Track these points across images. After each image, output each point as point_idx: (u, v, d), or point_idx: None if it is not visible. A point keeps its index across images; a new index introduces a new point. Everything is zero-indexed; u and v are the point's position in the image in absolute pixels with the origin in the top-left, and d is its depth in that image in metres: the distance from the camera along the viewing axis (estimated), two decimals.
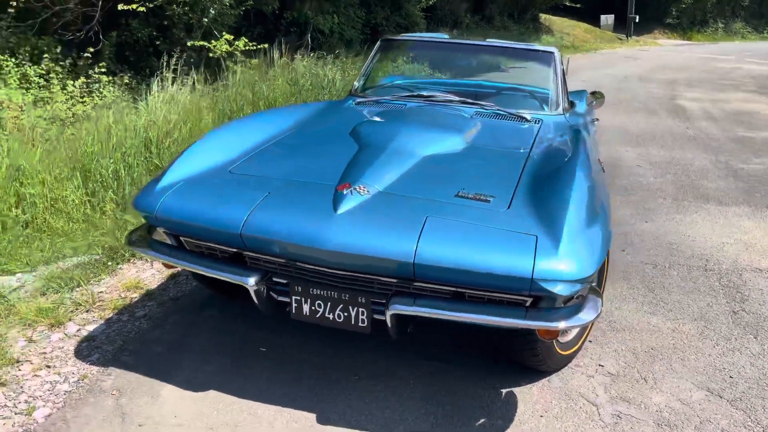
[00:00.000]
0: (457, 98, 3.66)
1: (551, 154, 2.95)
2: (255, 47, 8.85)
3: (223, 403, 2.44)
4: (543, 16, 24.23)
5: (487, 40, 4.27)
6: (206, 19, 8.78)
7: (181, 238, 2.56)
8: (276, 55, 9.01)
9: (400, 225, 2.25)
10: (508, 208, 2.39)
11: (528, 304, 2.24)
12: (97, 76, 7.38)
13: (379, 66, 4.17)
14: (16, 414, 2.36)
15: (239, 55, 8.74)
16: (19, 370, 2.64)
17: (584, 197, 2.42)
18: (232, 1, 9.00)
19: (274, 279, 2.44)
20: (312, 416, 2.39)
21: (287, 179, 2.58)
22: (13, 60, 6.89)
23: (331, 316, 2.37)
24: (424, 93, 3.76)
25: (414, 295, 2.27)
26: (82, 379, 2.57)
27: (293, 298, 2.39)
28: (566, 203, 2.32)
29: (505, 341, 2.65)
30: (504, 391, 2.61)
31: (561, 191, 2.42)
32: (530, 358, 2.60)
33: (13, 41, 7.35)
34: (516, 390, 2.61)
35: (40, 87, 6.88)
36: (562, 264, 2.11)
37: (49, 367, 2.68)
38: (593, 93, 4.01)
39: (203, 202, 2.43)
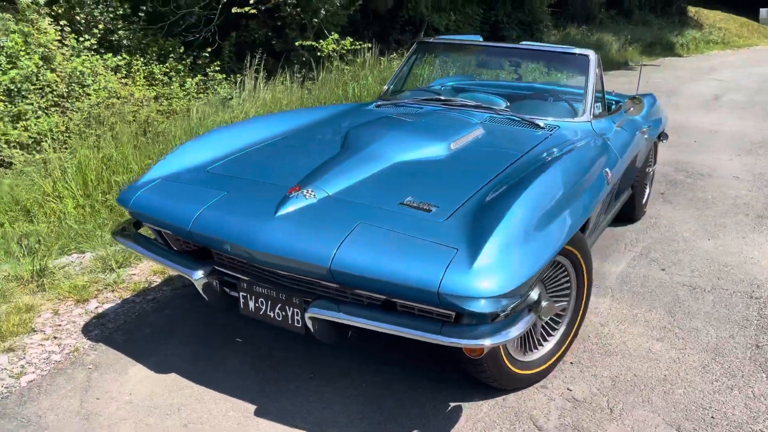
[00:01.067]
0: (473, 103, 3.60)
1: (535, 162, 2.83)
2: (359, 46, 9.10)
3: (177, 386, 2.63)
4: (692, 9, 22.46)
5: (522, 43, 4.14)
6: (316, 20, 9.16)
7: (162, 232, 2.78)
8: (373, 53, 9.24)
9: (326, 230, 2.29)
10: (447, 219, 2.34)
11: (452, 319, 2.20)
12: (212, 74, 8.00)
13: (416, 69, 4.19)
14: (9, 377, 2.71)
15: (346, 54, 9.03)
16: (31, 338, 3.02)
17: (530, 208, 2.32)
18: (342, 1, 9.28)
19: (231, 274, 2.58)
20: (251, 408, 2.50)
21: (253, 180, 2.71)
22: (142, 59, 7.66)
23: (271, 315, 2.47)
24: (442, 97, 3.74)
25: (339, 301, 2.30)
26: (73, 352, 2.88)
27: (240, 294, 2.52)
28: (502, 215, 2.24)
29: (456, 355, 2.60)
30: (452, 404, 2.56)
31: (505, 201, 2.34)
32: (478, 374, 2.53)
33: (145, 42, 8.15)
34: (465, 404, 2.55)
35: (163, 84, 7.59)
36: (475, 279, 2.05)
37: (55, 338, 3.02)
38: (633, 98, 3.73)
39: (168, 198, 2.63)
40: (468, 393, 2.62)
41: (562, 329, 2.79)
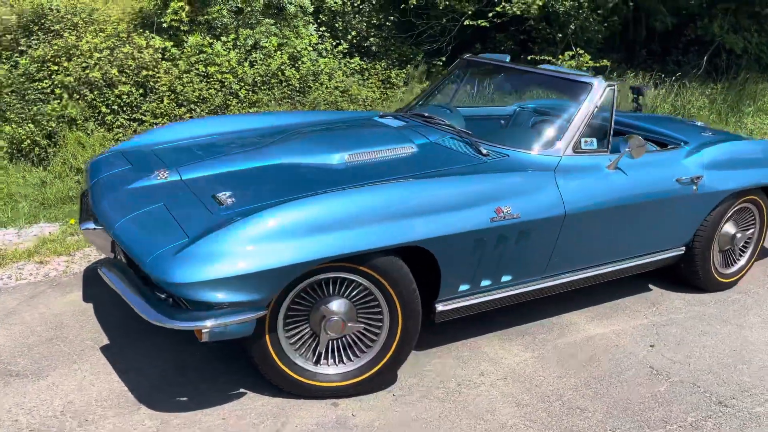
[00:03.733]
0: (446, 122, 3.57)
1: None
2: (596, 64, 8.74)
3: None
4: None
5: (540, 66, 3.85)
6: (560, 35, 9.09)
7: None
8: (622, 72, 8.77)
9: (132, 204, 2.76)
10: (223, 214, 2.59)
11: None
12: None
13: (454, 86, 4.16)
14: None
15: (586, 70, 8.80)
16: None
17: (287, 216, 2.43)
18: (596, 17, 9.03)
19: None
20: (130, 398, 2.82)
21: (163, 160, 3.20)
22: (381, 64, 8.67)
23: None
24: (425, 114, 3.77)
25: (124, 268, 2.73)
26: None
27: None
28: (248, 217, 2.44)
29: None
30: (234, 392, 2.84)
31: (272, 207, 2.49)
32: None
33: (392, 49, 9.17)
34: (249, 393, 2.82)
35: (395, 87, 8.50)
36: (172, 263, 2.33)
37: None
38: (630, 136, 3.22)
39: (105, 167, 3.28)
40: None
41: (373, 353, 2.79)
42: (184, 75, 6.62)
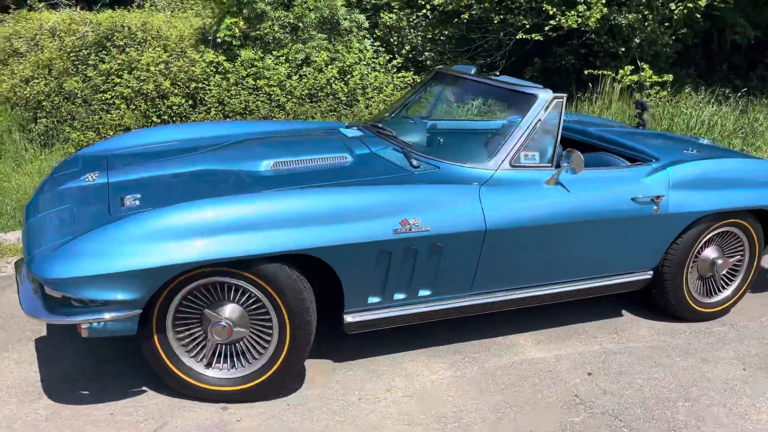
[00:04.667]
0: (393, 133, 3.60)
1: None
2: (659, 78, 8.35)
3: None
4: None
5: (493, 76, 3.73)
6: (623, 49, 8.79)
7: None
8: (697, 88, 8.35)
9: (47, 203, 3.01)
10: (116, 215, 2.70)
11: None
12: None
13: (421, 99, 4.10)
14: None
15: (650, 86, 8.45)
16: None
17: (158, 220, 2.52)
18: (663, 29, 8.64)
19: None
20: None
21: (113, 164, 3.36)
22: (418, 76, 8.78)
23: None
24: (379, 125, 3.79)
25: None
26: None
27: None
28: (120, 221, 2.57)
29: None
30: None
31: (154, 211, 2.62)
32: None
33: (447, 63, 9.25)
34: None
35: None
36: (42, 260, 2.50)
37: None
38: (568, 150, 3.07)
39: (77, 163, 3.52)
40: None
41: (263, 360, 2.84)
42: (232, 87, 7.06)
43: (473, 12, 8.63)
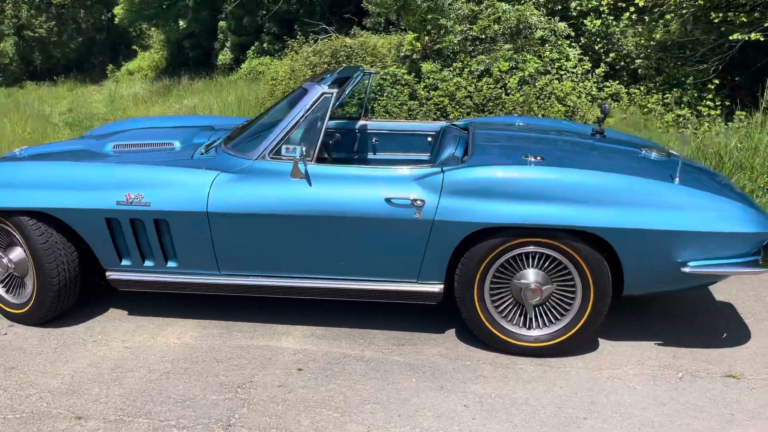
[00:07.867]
0: (240, 129, 3.82)
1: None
2: None
3: None
4: None
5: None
6: None
7: None
8: None
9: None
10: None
11: None
12: (706, 109, 7.45)
13: None
14: None
15: None
16: None
17: None
18: None
19: None
20: None
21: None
22: (641, 88, 8.03)
23: None
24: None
25: None
26: None
27: None
28: None
29: None
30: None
31: None
32: None
33: (666, 71, 8.22)
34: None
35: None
36: None
37: None
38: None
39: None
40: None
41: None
42: (399, 96, 7.67)
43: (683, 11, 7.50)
